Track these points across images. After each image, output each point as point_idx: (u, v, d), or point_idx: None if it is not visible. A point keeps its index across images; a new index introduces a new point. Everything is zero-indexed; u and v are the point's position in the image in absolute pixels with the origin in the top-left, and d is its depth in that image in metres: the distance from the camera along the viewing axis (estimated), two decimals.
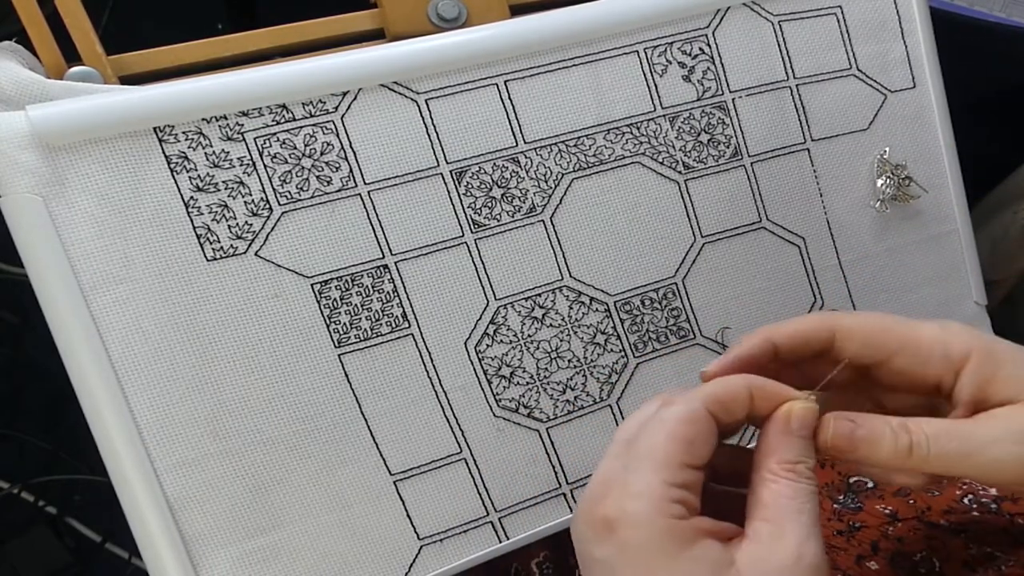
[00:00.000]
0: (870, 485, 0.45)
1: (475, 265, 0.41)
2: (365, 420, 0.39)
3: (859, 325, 0.30)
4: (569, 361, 0.42)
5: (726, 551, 0.26)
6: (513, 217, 0.41)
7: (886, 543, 0.40)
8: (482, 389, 0.41)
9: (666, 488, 0.26)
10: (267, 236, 0.38)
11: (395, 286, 0.40)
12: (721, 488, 0.31)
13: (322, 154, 0.38)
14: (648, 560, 0.25)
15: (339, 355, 0.39)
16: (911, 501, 0.43)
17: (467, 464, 0.41)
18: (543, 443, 0.42)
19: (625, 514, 0.26)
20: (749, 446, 0.30)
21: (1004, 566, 0.37)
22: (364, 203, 0.39)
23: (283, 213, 0.38)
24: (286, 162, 0.38)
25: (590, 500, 0.27)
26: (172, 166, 0.36)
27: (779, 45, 0.45)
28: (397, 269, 0.40)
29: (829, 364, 0.31)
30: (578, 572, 0.28)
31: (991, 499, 0.42)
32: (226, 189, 0.37)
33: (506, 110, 0.41)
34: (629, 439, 0.28)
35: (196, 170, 0.37)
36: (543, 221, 0.42)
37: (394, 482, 0.40)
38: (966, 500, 0.43)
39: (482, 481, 0.41)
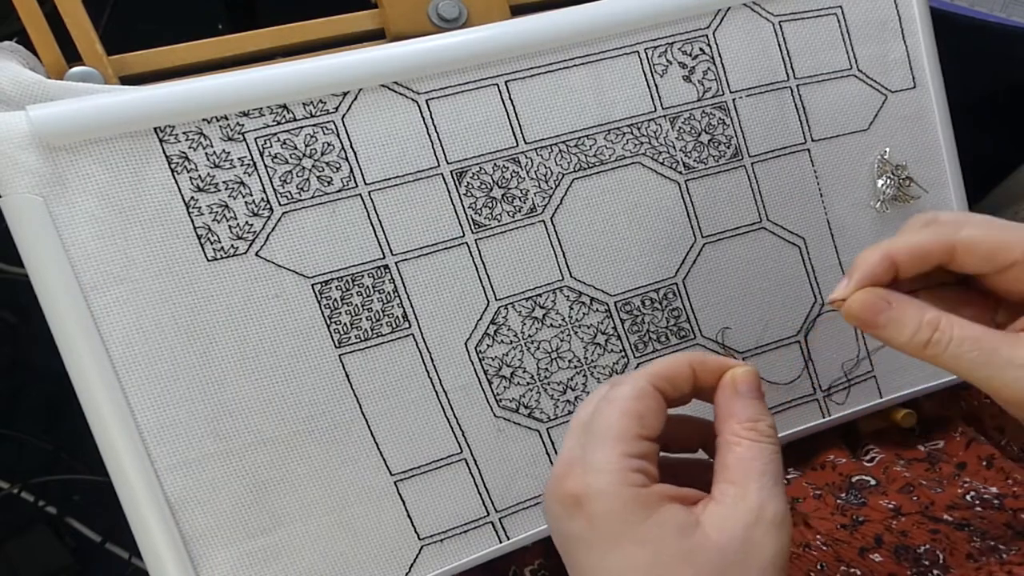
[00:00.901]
0: (872, 483, 0.45)
1: (475, 265, 0.41)
2: (366, 420, 0.39)
3: (981, 238, 0.30)
4: (569, 361, 0.42)
5: (690, 513, 0.27)
6: (513, 217, 0.41)
7: (890, 536, 0.40)
8: (482, 389, 0.41)
9: (625, 460, 0.27)
10: (268, 236, 0.38)
11: (396, 286, 0.40)
12: (675, 456, 0.33)
13: (323, 154, 0.38)
14: (618, 528, 0.26)
15: (340, 355, 0.39)
16: (914, 497, 0.43)
17: (467, 464, 0.41)
18: (543, 443, 0.42)
19: (590, 488, 0.27)
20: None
21: (1005, 555, 0.37)
22: (365, 203, 0.39)
23: (284, 213, 0.38)
24: (287, 162, 0.38)
25: (555, 480, 0.28)
26: (173, 166, 0.36)
27: (779, 45, 0.45)
28: (398, 269, 0.40)
29: (946, 274, 0.31)
30: None
31: (993, 496, 0.42)
32: (227, 189, 0.37)
33: (506, 110, 0.41)
34: (585, 422, 0.29)
35: (197, 170, 0.37)
36: (543, 221, 0.42)
37: (395, 482, 0.40)
38: (968, 497, 0.43)
39: (482, 481, 0.41)
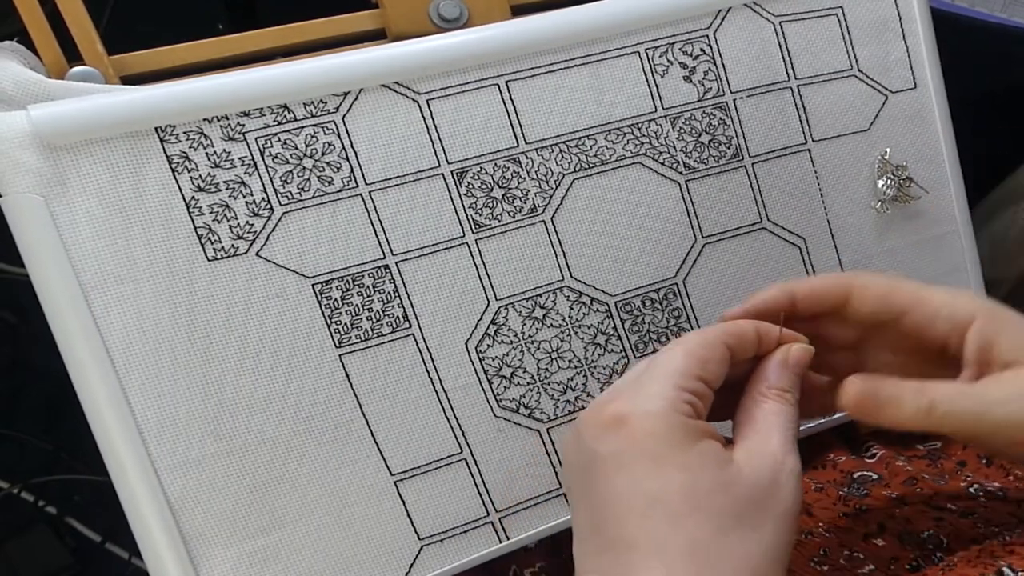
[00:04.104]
0: (875, 478, 0.45)
1: (476, 265, 0.41)
2: (366, 420, 0.39)
3: (874, 284, 0.33)
4: (570, 361, 0.42)
5: (725, 451, 0.29)
6: (514, 217, 0.41)
7: (893, 523, 0.40)
8: (483, 389, 0.41)
9: (679, 392, 0.28)
10: (268, 236, 0.38)
11: (396, 286, 0.40)
12: None
13: (323, 154, 0.38)
14: (659, 449, 0.27)
15: (340, 355, 0.39)
16: (918, 489, 0.43)
17: (467, 464, 0.41)
18: (544, 443, 0.42)
19: (637, 407, 0.28)
20: None
21: (1008, 536, 0.37)
22: (365, 203, 0.39)
23: (284, 213, 0.38)
24: (287, 162, 0.38)
25: (599, 403, 0.29)
26: (173, 166, 0.36)
27: (780, 46, 0.45)
28: (398, 269, 0.40)
29: (842, 323, 0.34)
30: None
31: (997, 488, 0.42)
32: (227, 189, 0.37)
33: (507, 110, 0.41)
34: (641, 369, 0.31)
35: (197, 170, 0.37)
36: (544, 221, 0.42)
37: (395, 482, 0.40)
38: (972, 490, 0.42)
39: (482, 481, 0.41)
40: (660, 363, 0.30)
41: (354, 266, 0.39)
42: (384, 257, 0.39)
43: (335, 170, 0.39)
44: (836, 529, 0.40)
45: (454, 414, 0.41)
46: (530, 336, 0.42)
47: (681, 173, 0.44)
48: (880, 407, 0.30)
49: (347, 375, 0.39)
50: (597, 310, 0.43)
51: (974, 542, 0.38)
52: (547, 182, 0.42)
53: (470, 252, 0.41)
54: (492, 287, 0.41)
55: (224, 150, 0.37)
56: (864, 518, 0.40)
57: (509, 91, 0.41)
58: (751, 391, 0.31)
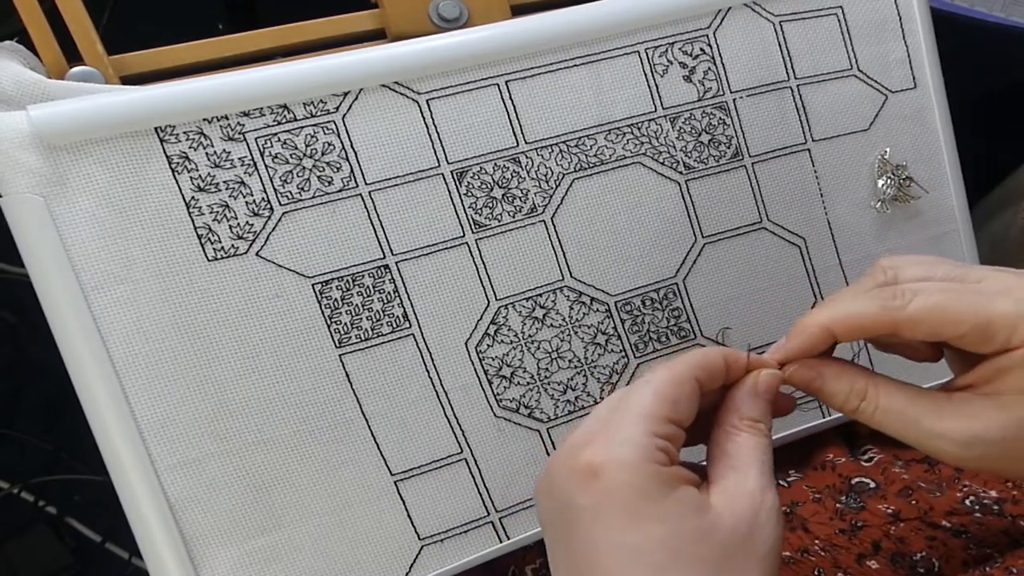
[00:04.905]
0: (872, 486, 0.45)
1: (476, 265, 0.41)
2: (366, 420, 0.39)
3: (927, 315, 0.29)
4: (570, 361, 0.42)
5: (702, 495, 0.28)
6: (514, 217, 0.41)
7: (888, 543, 0.40)
8: (483, 389, 0.41)
9: (651, 438, 0.27)
10: (268, 236, 0.38)
11: (396, 286, 0.40)
12: None
13: (323, 154, 0.38)
14: (636, 503, 0.26)
15: (340, 355, 0.39)
16: (913, 502, 0.43)
17: (468, 464, 0.41)
18: (544, 443, 0.42)
19: (611, 459, 0.27)
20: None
21: (989, 567, 0.37)
22: (365, 203, 0.39)
23: (284, 213, 0.38)
24: (287, 162, 0.38)
25: (572, 448, 0.28)
26: (173, 166, 0.36)
27: (780, 45, 0.45)
28: (398, 269, 0.40)
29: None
30: None
31: (993, 500, 0.42)
32: (227, 189, 0.37)
33: (507, 110, 0.41)
34: (612, 407, 0.29)
35: (197, 170, 0.37)
36: (544, 221, 0.42)
37: (395, 482, 0.40)
38: (968, 502, 0.43)
39: (483, 481, 0.41)
40: (630, 405, 0.28)
41: (354, 266, 0.39)
42: (384, 257, 0.39)
43: (335, 170, 0.39)
44: (832, 547, 0.40)
45: (454, 414, 0.41)
46: (530, 336, 0.42)
47: (681, 173, 0.44)
48: (813, 390, 0.32)
49: (347, 375, 0.39)
50: (597, 310, 0.43)
51: (966, 565, 0.38)
52: (547, 182, 0.42)
53: (470, 252, 0.41)
54: (492, 287, 0.41)
55: (224, 150, 0.37)
56: (859, 536, 0.40)
57: (509, 91, 0.41)
58: (723, 423, 0.31)
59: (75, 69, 0.37)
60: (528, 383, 0.42)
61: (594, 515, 0.27)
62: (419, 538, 0.40)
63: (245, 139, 0.37)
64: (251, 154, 0.37)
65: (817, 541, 0.40)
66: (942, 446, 0.29)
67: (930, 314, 0.29)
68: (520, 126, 0.41)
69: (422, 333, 0.40)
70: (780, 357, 0.32)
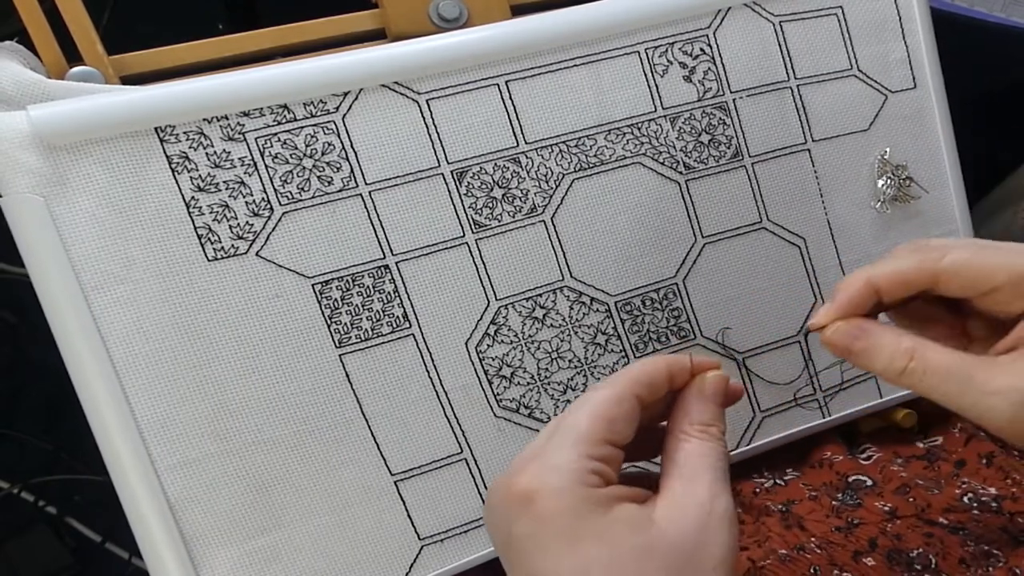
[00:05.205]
0: (869, 483, 0.45)
1: (476, 265, 0.41)
2: (366, 420, 0.39)
3: (964, 265, 0.30)
4: (570, 361, 0.42)
5: (643, 510, 0.27)
6: (514, 217, 0.41)
7: (884, 540, 0.40)
8: (483, 389, 0.41)
9: (585, 460, 0.27)
10: (268, 236, 0.38)
11: (396, 286, 0.40)
12: (632, 468, 0.33)
13: (323, 154, 0.38)
14: (570, 526, 0.26)
15: (340, 355, 0.39)
16: (910, 499, 0.43)
17: (468, 464, 0.41)
18: None
19: (544, 485, 0.26)
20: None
21: (992, 568, 0.37)
22: (365, 203, 0.39)
23: (284, 213, 0.38)
24: (287, 162, 0.38)
25: (507, 476, 0.28)
26: (173, 166, 0.36)
27: (780, 45, 0.45)
28: (398, 269, 0.40)
29: (926, 300, 0.32)
30: None
31: (991, 498, 0.42)
32: (227, 189, 0.37)
33: (507, 110, 0.41)
34: (551, 430, 0.29)
35: (197, 170, 0.37)
36: (544, 221, 0.42)
37: (395, 482, 0.40)
38: (966, 499, 0.42)
39: (483, 481, 0.41)
40: (566, 428, 0.28)
41: (354, 266, 0.39)
42: (384, 257, 0.39)
43: (335, 170, 0.39)
44: (828, 544, 0.40)
45: (454, 414, 0.41)
46: (530, 336, 0.42)
47: (681, 173, 0.44)
48: (852, 353, 0.30)
49: (347, 375, 0.39)
50: (597, 310, 0.43)
51: (963, 563, 0.38)
52: (547, 182, 0.42)
53: (470, 252, 0.41)
54: (492, 287, 0.41)
55: (224, 150, 0.37)
56: (855, 533, 0.40)
57: (509, 91, 0.41)
58: (673, 430, 0.30)
59: (75, 69, 0.37)
60: (528, 383, 0.42)
61: (533, 543, 0.26)
62: (419, 538, 0.40)
63: (245, 139, 0.37)
64: (251, 154, 0.37)
65: (813, 539, 0.40)
66: (995, 404, 0.28)
67: (967, 265, 0.30)
68: (520, 126, 0.41)
69: (422, 333, 0.40)
70: (825, 320, 0.31)
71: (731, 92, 0.44)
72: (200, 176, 0.37)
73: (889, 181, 0.47)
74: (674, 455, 0.29)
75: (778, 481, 0.46)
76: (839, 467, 0.46)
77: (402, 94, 0.39)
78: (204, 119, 0.37)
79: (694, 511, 0.27)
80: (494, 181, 0.41)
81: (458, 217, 0.40)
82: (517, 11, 0.44)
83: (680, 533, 0.26)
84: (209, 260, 0.37)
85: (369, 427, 0.39)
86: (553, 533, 0.26)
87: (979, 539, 0.39)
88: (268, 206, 0.38)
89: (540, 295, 0.42)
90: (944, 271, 0.30)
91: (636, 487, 0.28)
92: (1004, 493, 0.43)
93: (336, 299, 0.39)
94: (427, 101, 0.40)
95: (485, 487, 0.41)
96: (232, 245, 0.37)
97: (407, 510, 0.40)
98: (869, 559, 0.39)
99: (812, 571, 0.39)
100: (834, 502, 0.43)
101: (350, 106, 0.39)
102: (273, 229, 0.38)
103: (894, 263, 0.31)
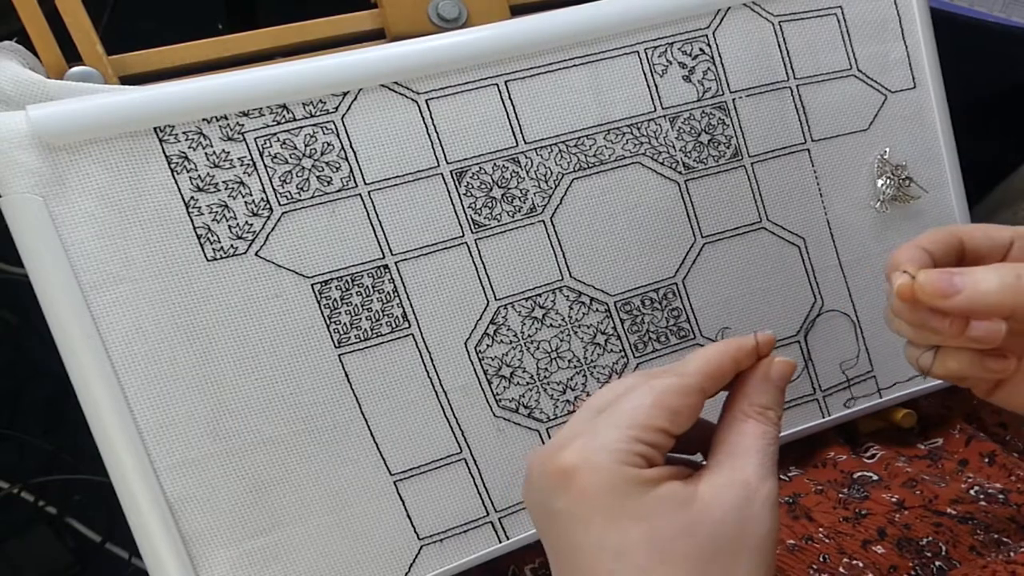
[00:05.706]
0: (875, 478, 0.45)
1: (475, 265, 0.41)
2: (365, 420, 0.39)
3: (976, 227, 0.33)
4: (569, 361, 0.42)
5: (686, 487, 0.27)
6: (513, 217, 0.41)
7: (893, 529, 0.40)
8: (482, 389, 0.41)
9: (633, 443, 0.26)
10: (267, 236, 0.38)
11: (395, 286, 0.40)
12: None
13: (322, 154, 0.38)
14: (612, 503, 0.26)
15: (339, 355, 0.39)
16: (918, 492, 0.43)
17: (467, 464, 0.41)
18: (543, 443, 0.42)
19: (586, 462, 0.26)
20: None
21: (1013, 553, 0.37)
22: (364, 203, 0.39)
23: (283, 213, 0.38)
24: (286, 162, 0.38)
25: (548, 451, 0.27)
26: (172, 166, 0.36)
27: (779, 45, 0.45)
28: (397, 269, 0.40)
29: None
30: None
31: (998, 491, 0.42)
32: (226, 189, 0.37)
33: (506, 110, 0.41)
34: (599, 406, 0.28)
35: (196, 170, 0.37)
36: (543, 221, 0.42)
37: (394, 482, 0.40)
38: (972, 492, 0.42)
39: (482, 481, 0.41)
40: (624, 409, 0.27)
41: (353, 266, 0.39)
42: (383, 257, 0.39)
43: (334, 170, 0.39)
44: (836, 534, 0.40)
45: (454, 414, 0.41)
46: (529, 336, 0.42)
47: (680, 173, 0.44)
48: (956, 287, 0.28)
49: (346, 375, 0.39)
50: (597, 310, 0.43)
51: (973, 551, 0.38)
52: (546, 182, 0.42)
53: (469, 252, 0.41)
54: (491, 287, 0.41)
55: (223, 150, 0.37)
56: (863, 524, 0.40)
57: (508, 91, 0.41)
58: (732, 409, 0.30)
59: (74, 69, 0.37)
60: (528, 383, 0.42)
61: (573, 518, 0.26)
62: (418, 538, 0.40)
63: (244, 139, 0.37)
64: (250, 154, 0.37)
65: (821, 529, 0.40)
66: None
67: (979, 226, 0.33)
68: (519, 126, 0.41)
69: (421, 333, 0.40)
70: (907, 278, 0.29)
71: (730, 92, 0.44)
72: (199, 176, 0.37)
73: (889, 181, 0.47)
74: (729, 433, 0.29)
75: (783, 477, 0.46)
76: (843, 466, 0.46)
77: (401, 94, 0.39)
78: (203, 119, 0.37)
79: (740, 489, 0.27)
80: (493, 181, 0.41)
81: (457, 217, 0.40)
82: (516, 11, 0.44)
83: (722, 511, 0.26)
84: (208, 260, 0.37)
85: (368, 427, 0.39)
86: (593, 509, 0.26)
87: (988, 528, 0.39)
88: (267, 206, 0.38)
89: (539, 295, 0.42)
90: (963, 229, 0.32)
91: (680, 466, 0.28)
92: (1010, 487, 0.43)
93: (335, 299, 0.39)
94: (426, 101, 0.40)
95: (485, 487, 0.41)
96: (231, 245, 0.37)
97: (406, 510, 0.40)
98: (879, 547, 0.39)
99: (822, 559, 0.38)
100: (840, 495, 0.43)
101: (349, 106, 0.39)
102: (272, 229, 0.38)
103: (925, 234, 0.32)
